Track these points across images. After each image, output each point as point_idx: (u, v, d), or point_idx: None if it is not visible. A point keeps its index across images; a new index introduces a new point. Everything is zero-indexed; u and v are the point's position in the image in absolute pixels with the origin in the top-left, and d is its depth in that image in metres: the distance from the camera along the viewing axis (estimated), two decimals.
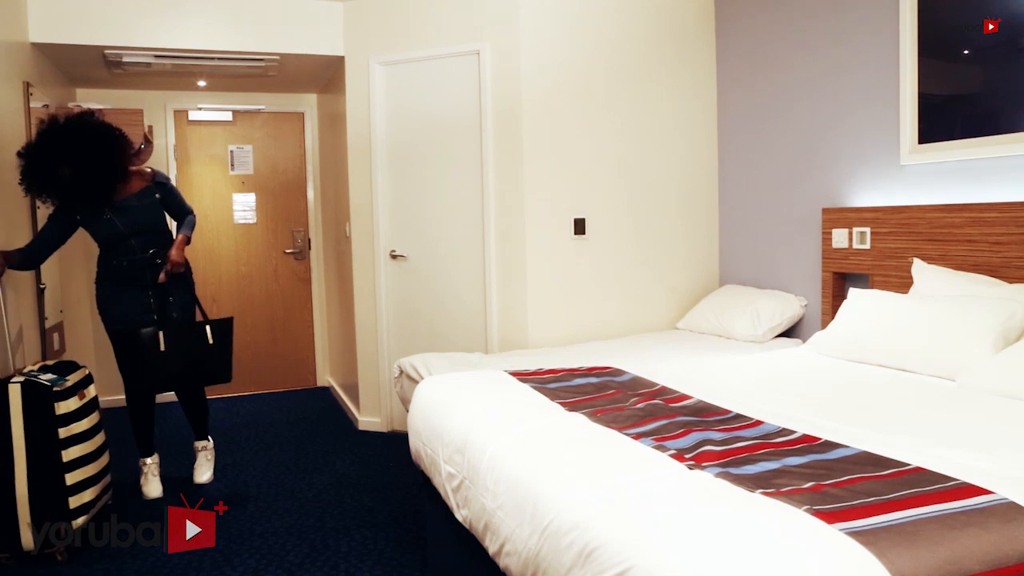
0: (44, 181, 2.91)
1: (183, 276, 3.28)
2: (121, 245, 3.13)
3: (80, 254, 4.72)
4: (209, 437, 3.57)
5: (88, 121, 3.01)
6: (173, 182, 5.10)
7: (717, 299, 3.94)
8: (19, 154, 2.92)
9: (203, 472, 3.50)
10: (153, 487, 3.32)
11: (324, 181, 5.26)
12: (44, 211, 3.69)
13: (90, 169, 2.92)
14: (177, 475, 3.55)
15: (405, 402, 3.28)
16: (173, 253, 3.18)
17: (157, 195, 3.21)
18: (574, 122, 3.87)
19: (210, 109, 5.16)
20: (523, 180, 3.78)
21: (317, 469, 3.64)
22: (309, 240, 5.44)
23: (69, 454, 2.64)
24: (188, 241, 3.26)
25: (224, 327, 3.25)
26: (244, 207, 5.30)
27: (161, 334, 3.09)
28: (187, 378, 3.22)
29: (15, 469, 2.57)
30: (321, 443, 4.08)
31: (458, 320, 4.02)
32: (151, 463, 3.36)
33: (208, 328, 3.20)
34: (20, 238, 3.37)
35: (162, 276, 3.16)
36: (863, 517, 1.27)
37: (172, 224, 3.47)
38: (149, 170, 3.27)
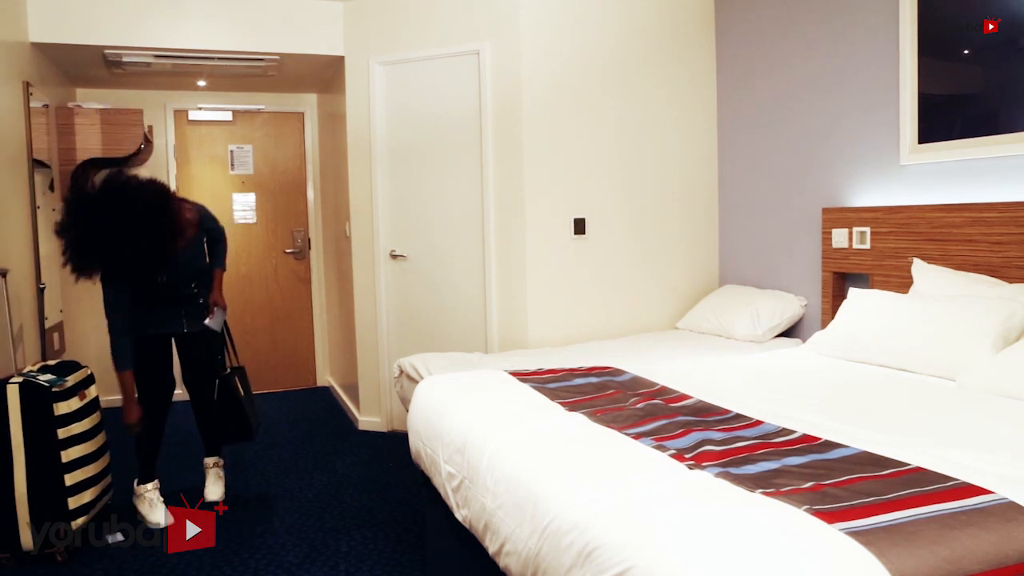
0: (98, 263, 2.62)
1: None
2: (163, 288, 3.00)
3: None
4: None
5: (131, 184, 2.68)
6: (173, 186, 5.16)
7: (717, 299, 3.94)
8: (59, 233, 2.61)
9: (214, 490, 3.27)
10: (159, 513, 3.03)
11: (324, 181, 5.26)
12: (44, 211, 3.69)
13: (151, 242, 2.63)
14: (177, 475, 3.54)
15: (405, 402, 3.28)
16: (216, 295, 3.15)
17: (205, 239, 3.13)
18: (574, 122, 3.87)
19: (210, 109, 5.16)
20: (523, 180, 3.78)
21: (317, 469, 3.64)
22: (309, 240, 5.44)
23: (69, 454, 2.64)
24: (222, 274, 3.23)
25: (244, 378, 3.23)
26: (244, 207, 5.30)
27: (192, 336, 3.09)
28: (213, 421, 3.18)
29: (14, 469, 2.57)
30: (321, 443, 4.08)
31: (458, 320, 4.02)
32: (152, 488, 3.11)
33: (237, 379, 3.16)
34: (20, 237, 3.37)
35: (209, 321, 3.12)
36: (863, 517, 1.27)
37: None
38: (195, 212, 3.05)
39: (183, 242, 2.89)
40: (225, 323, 3.26)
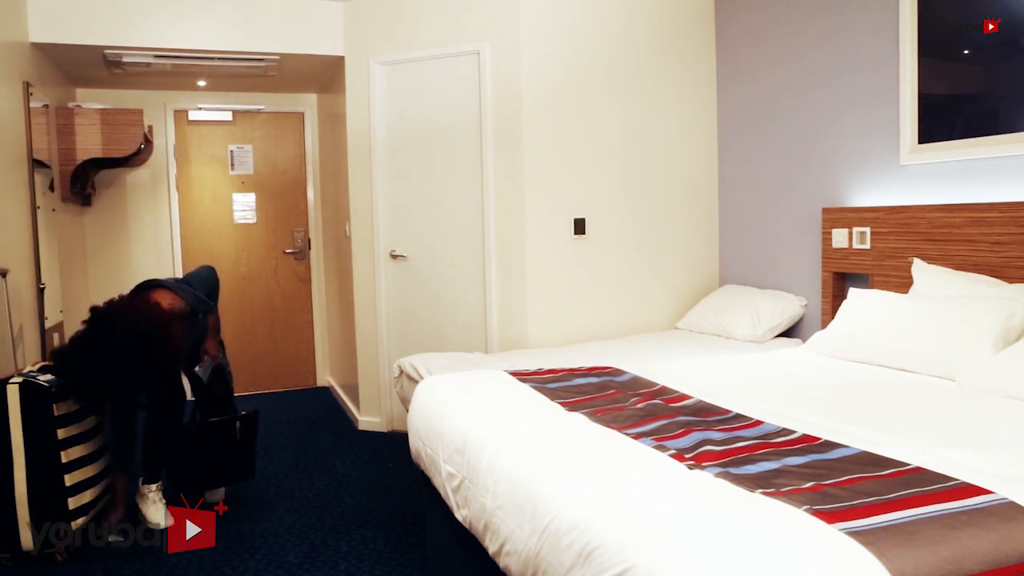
0: (102, 395, 2.69)
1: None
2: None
3: (80, 253, 4.72)
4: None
5: (117, 320, 2.62)
6: (174, 185, 5.16)
7: (717, 299, 3.93)
8: (55, 369, 2.64)
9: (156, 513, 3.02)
10: (160, 514, 2.97)
11: (324, 181, 5.26)
12: (44, 211, 3.69)
13: (148, 372, 2.66)
14: None
15: (405, 402, 3.28)
16: (209, 344, 3.08)
17: (200, 315, 3.04)
18: (574, 122, 3.87)
19: (210, 109, 5.16)
20: (523, 180, 3.78)
21: (317, 469, 3.64)
22: (309, 240, 5.44)
23: (69, 455, 2.63)
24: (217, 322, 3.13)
25: (251, 423, 3.10)
26: (244, 207, 5.30)
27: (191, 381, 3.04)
28: (209, 470, 3.03)
29: (14, 469, 2.57)
30: (321, 443, 4.08)
31: (458, 320, 4.02)
32: (156, 489, 3.02)
33: (237, 423, 3.03)
34: (20, 237, 3.37)
35: (198, 370, 3.06)
36: (863, 517, 1.27)
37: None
38: (183, 306, 2.91)
39: (179, 349, 2.83)
40: (224, 367, 3.17)
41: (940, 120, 2.94)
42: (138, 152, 4.49)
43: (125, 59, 4.06)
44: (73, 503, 2.64)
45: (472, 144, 3.91)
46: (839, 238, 3.31)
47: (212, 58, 4.16)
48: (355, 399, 4.51)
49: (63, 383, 2.60)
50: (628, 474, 1.55)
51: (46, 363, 2.86)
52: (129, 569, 2.62)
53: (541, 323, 3.84)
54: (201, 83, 4.85)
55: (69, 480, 2.63)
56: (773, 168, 3.83)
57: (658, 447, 1.72)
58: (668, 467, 1.59)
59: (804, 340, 3.45)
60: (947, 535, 1.22)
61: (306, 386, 5.49)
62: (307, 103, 5.38)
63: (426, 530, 2.61)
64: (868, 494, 1.38)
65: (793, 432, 1.80)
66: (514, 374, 2.56)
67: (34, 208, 3.52)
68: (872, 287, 3.12)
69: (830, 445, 1.69)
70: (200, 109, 5.13)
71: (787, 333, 3.69)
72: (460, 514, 1.98)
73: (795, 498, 1.36)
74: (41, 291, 3.58)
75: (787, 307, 3.61)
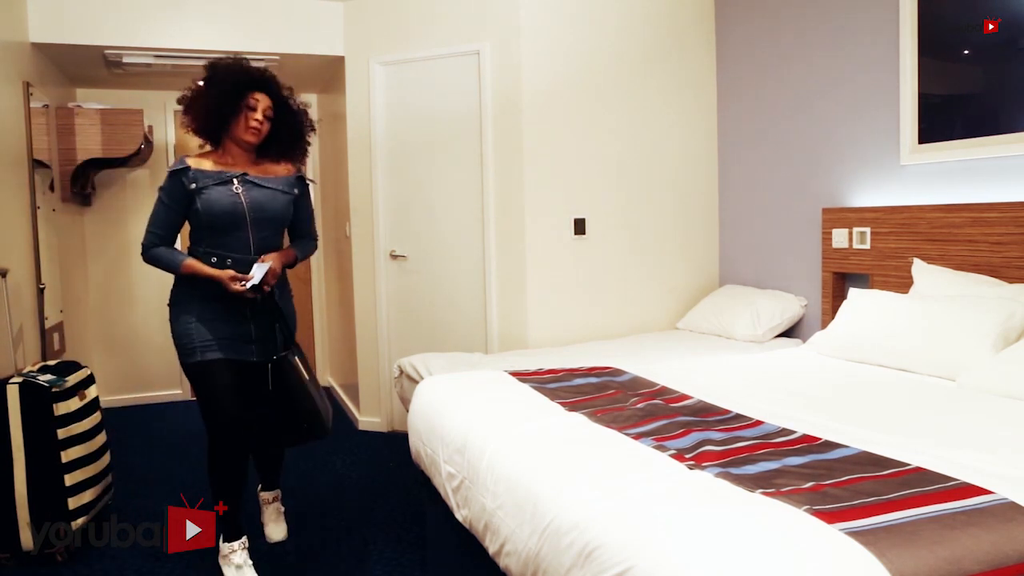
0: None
1: (279, 304, 2.54)
2: (234, 234, 2.41)
3: (80, 253, 4.72)
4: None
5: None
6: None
7: (717, 299, 3.93)
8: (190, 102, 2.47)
9: (276, 529, 2.77)
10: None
11: (324, 181, 5.26)
12: (44, 211, 3.69)
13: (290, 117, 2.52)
14: (177, 475, 3.54)
15: (405, 402, 3.28)
16: (275, 257, 2.46)
17: (296, 190, 2.55)
18: (574, 122, 3.87)
19: None
20: (523, 180, 3.78)
21: (317, 469, 3.64)
22: None
23: (69, 455, 2.64)
24: (294, 262, 2.58)
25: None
26: None
27: (269, 367, 2.41)
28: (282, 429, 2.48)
29: (14, 470, 2.57)
30: (321, 443, 4.08)
31: (458, 320, 4.02)
32: (240, 547, 2.49)
33: (299, 360, 2.46)
34: (20, 237, 3.37)
35: (256, 267, 2.40)
36: (863, 517, 1.27)
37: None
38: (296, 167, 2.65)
39: (275, 166, 2.52)
40: (279, 295, 2.56)
41: (940, 120, 2.94)
42: (138, 152, 4.49)
43: (125, 59, 4.06)
44: (73, 503, 2.64)
45: (472, 144, 3.91)
46: (839, 238, 3.31)
47: (212, 58, 4.15)
48: (355, 399, 4.51)
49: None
50: (628, 474, 1.55)
51: (46, 363, 2.87)
52: (129, 569, 2.62)
53: (541, 323, 3.84)
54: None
55: (69, 480, 2.63)
56: (773, 168, 3.83)
57: (658, 447, 1.72)
58: (668, 467, 1.59)
59: (804, 340, 3.45)
60: (947, 535, 1.22)
61: None
62: (307, 103, 5.37)
63: (426, 530, 2.61)
64: (868, 494, 1.38)
65: (793, 432, 1.80)
66: (514, 374, 2.56)
67: (34, 208, 3.52)
68: (872, 287, 3.12)
69: (830, 445, 1.69)
70: None
71: (787, 333, 3.69)
72: (460, 514, 1.99)
73: (795, 498, 1.36)
74: (41, 291, 3.59)
75: (787, 307, 3.61)
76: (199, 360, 2.39)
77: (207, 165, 2.43)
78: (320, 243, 5.80)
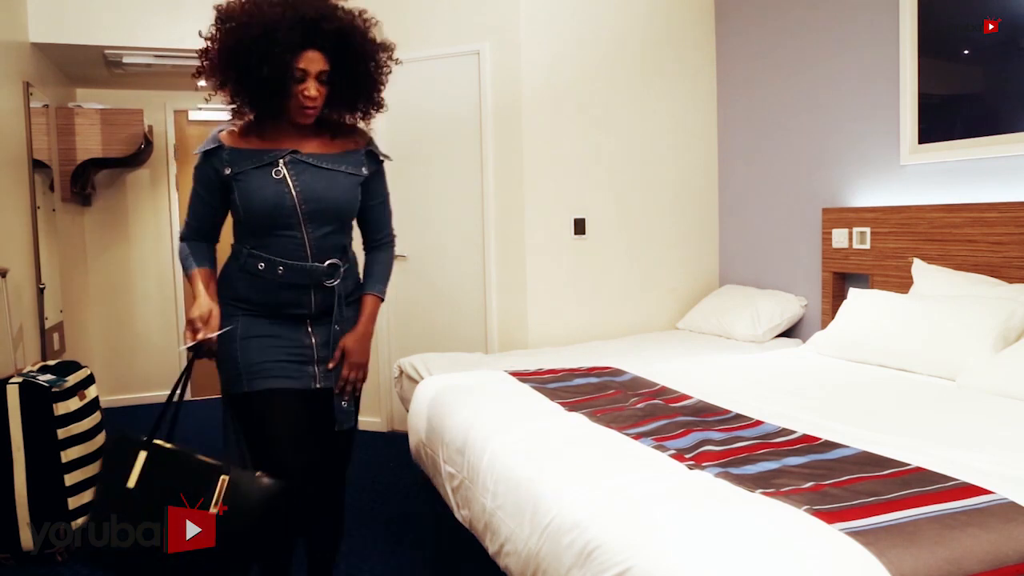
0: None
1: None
2: (282, 233, 1.81)
3: (80, 253, 4.72)
4: None
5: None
6: (174, 185, 5.15)
7: (717, 299, 3.93)
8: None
9: None
10: None
11: None
12: (44, 211, 3.69)
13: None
14: None
15: (405, 402, 3.28)
16: (350, 342, 1.86)
17: (365, 170, 1.88)
18: (574, 122, 3.86)
19: (210, 109, 5.15)
20: (523, 180, 3.78)
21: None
22: None
23: (69, 455, 2.63)
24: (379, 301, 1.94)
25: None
26: None
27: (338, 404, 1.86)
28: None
29: (14, 470, 2.57)
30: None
31: (458, 320, 4.02)
32: None
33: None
34: (20, 237, 3.37)
35: (331, 363, 1.86)
36: (863, 517, 1.27)
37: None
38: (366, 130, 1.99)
39: (333, 138, 1.87)
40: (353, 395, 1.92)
41: (940, 120, 2.94)
42: (138, 152, 4.49)
43: (125, 59, 4.05)
44: (73, 503, 2.64)
45: (472, 144, 3.91)
46: (839, 238, 3.31)
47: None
48: None
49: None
50: (628, 474, 1.55)
51: (46, 363, 2.87)
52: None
53: (541, 323, 3.84)
54: (201, 83, 4.85)
55: (69, 480, 2.63)
56: (773, 168, 3.83)
57: (658, 447, 1.72)
58: (668, 467, 1.59)
59: (804, 340, 3.45)
60: (947, 535, 1.22)
61: None
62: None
63: (426, 530, 2.61)
64: (868, 494, 1.38)
65: (793, 432, 1.81)
66: (514, 374, 2.56)
67: (34, 208, 3.52)
68: (872, 287, 3.12)
69: (830, 445, 1.69)
70: (200, 109, 5.13)
71: (787, 333, 3.69)
72: (460, 514, 1.99)
73: (795, 498, 1.36)
74: (41, 291, 3.58)
75: (787, 307, 3.61)
76: (244, 391, 1.79)
77: (246, 142, 1.83)
78: None
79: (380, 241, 1.99)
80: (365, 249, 2.01)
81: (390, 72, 1.93)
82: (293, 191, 1.79)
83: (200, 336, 1.74)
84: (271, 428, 1.78)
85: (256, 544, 1.67)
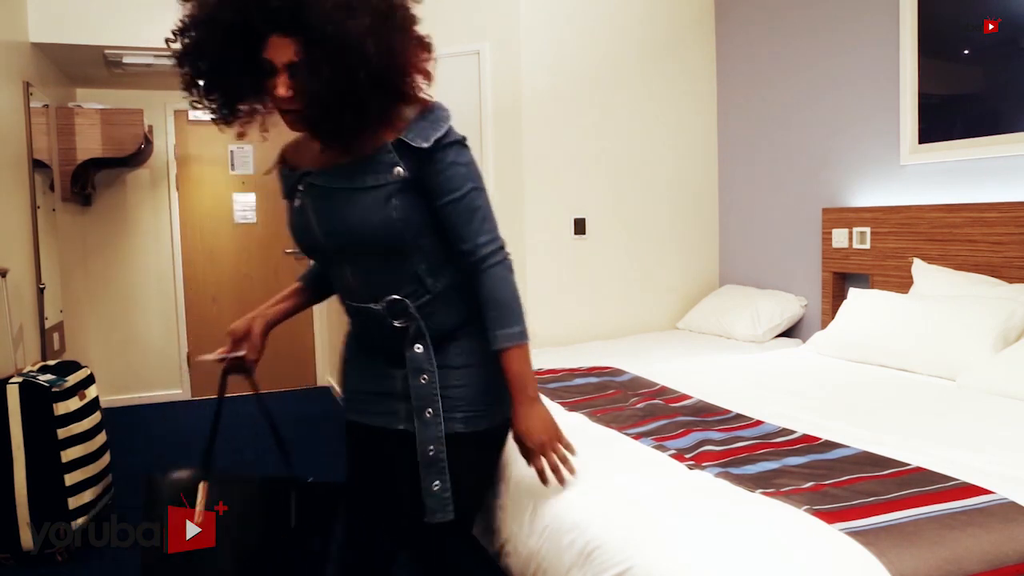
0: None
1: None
2: (331, 270, 1.54)
3: (80, 253, 4.72)
4: None
5: None
6: (174, 185, 5.16)
7: (717, 299, 3.93)
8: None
9: None
10: None
11: None
12: (44, 211, 3.68)
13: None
14: None
15: None
16: (516, 427, 1.42)
17: (400, 170, 1.39)
18: (574, 122, 3.86)
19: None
20: (523, 180, 3.78)
21: (317, 469, 3.63)
22: None
23: (69, 455, 2.63)
24: (523, 355, 1.46)
25: None
26: (244, 207, 5.30)
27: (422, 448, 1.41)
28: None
29: (14, 469, 2.57)
30: (321, 443, 4.08)
31: None
32: None
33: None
34: (20, 237, 3.37)
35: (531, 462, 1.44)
36: (863, 517, 1.27)
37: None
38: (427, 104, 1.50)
39: (370, 135, 1.38)
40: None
41: (940, 120, 2.94)
42: (138, 152, 4.49)
43: (125, 59, 4.05)
44: (73, 503, 2.64)
45: (472, 144, 3.90)
46: (839, 238, 3.31)
47: None
48: None
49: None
50: (628, 474, 1.55)
51: (46, 363, 2.87)
52: (129, 569, 2.61)
53: (541, 323, 3.84)
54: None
55: (69, 480, 2.63)
56: (773, 168, 3.83)
57: (658, 447, 1.72)
58: (668, 467, 1.59)
59: (804, 340, 3.45)
60: (947, 535, 1.22)
61: (306, 386, 5.49)
62: None
63: None
64: (868, 494, 1.38)
65: (793, 432, 1.81)
66: None
67: (34, 208, 3.52)
68: (872, 287, 3.12)
69: (830, 445, 1.69)
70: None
71: (787, 333, 3.69)
72: None
73: (795, 498, 1.36)
74: (41, 291, 3.58)
75: (787, 307, 3.61)
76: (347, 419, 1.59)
77: (294, 155, 1.57)
78: None
79: (470, 261, 1.45)
80: (465, 262, 1.46)
81: (404, 44, 1.37)
82: (314, 224, 1.44)
83: (215, 354, 1.57)
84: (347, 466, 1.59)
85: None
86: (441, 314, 1.46)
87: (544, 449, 1.40)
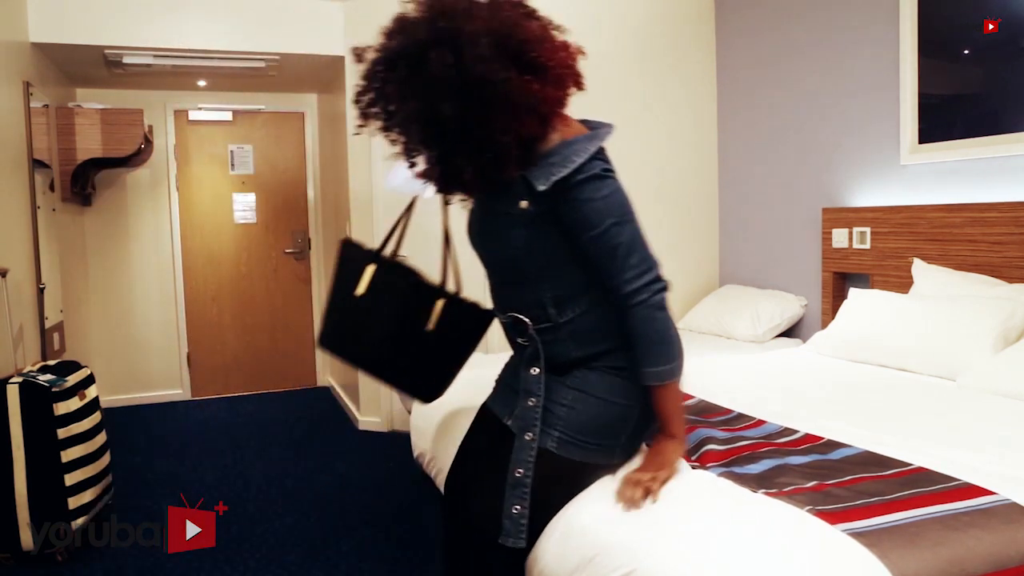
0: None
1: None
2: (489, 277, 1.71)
3: (80, 253, 4.72)
4: None
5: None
6: (174, 185, 5.15)
7: (717, 299, 3.93)
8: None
9: None
10: None
11: (324, 181, 5.25)
12: (44, 211, 3.68)
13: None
14: (177, 475, 3.54)
15: (406, 403, 3.27)
16: (658, 459, 1.44)
17: (524, 203, 1.44)
18: None
19: (210, 109, 5.15)
20: None
21: (317, 469, 3.64)
22: (309, 240, 5.43)
23: (69, 455, 2.63)
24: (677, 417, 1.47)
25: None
26: (244, 207, 5.30)
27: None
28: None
29: (14, 470, 2.57)
30: (321, 443, 4.08)
31: None
32: None
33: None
34: (20, 237, 3.37)
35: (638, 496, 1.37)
36: (865, 518, 1.27)
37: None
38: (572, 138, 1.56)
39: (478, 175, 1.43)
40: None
41: (940, 120, 2.94)
42: (138, 152, 4.49)
43: (125, 59, 4.05)
44: (73, 503, 2.64)
45: None
46: (839, 238, 3.31)
47: (212, 58, 4.15)
48: (355, 399, 4.50)
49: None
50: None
51: (46, 363, 2.86)
52: (129, 569, 2.61)
53: None
54: (201, 83, 4.85)
55: (69, 480, 2.62)
56: (773, 168, 3.83)
57: None
58: None
59: (804, 340, 3.45)
60: (949, 536, 1.22)
61: (306, 386, 5.48)
62: (307, 103, 5.37)
63: (426, 530, 2.61)
64: (870, 494, 1.38)
65: (796, 432, 1.81)
66: None
67: (34, 208, 3.52)
68: (872, 287, 3.12)
69: (833, 445, 1.69)
70: (200, 109, 5.12)
71: (787, 333, 3.69)
72: None
73: (797, 498, 1.36)
74: (41, 291, 3.58)
75: (787, 307, 3.61)
76: None
77: None
78: (321, 243, 5.72)
79: (616, 297, 1.41)
80: (613, 293, 1.42)
81: (507, 110, 1.37)
82: (471, 229, 1.66)
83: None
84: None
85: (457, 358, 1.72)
86: (563, 344, 1.47)
87: (650, 482, 1.39)
